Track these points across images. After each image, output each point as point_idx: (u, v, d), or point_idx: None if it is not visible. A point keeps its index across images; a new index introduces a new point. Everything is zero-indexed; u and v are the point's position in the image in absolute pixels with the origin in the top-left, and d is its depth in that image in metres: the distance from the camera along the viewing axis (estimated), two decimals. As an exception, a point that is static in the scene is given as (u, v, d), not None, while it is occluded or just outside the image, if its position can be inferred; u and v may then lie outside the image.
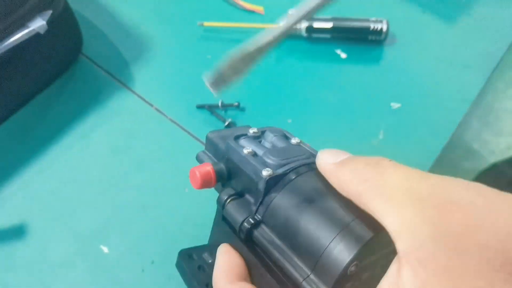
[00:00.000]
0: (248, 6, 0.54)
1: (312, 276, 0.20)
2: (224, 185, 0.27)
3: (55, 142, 0.45)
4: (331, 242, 0.20)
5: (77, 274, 0.38)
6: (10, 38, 0.41)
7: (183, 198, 0.41)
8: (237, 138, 0.27)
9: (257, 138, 0.28)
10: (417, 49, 0.51)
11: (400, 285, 0.16)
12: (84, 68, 0.50)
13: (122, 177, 0.43)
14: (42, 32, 0.42)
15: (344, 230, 0.20)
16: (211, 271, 0.24)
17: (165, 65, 0.50)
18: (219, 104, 0.46)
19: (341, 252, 0.19)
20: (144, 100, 0.48)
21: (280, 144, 0.27)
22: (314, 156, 0.25)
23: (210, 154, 0.29)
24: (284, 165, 0.24)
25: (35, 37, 0.42)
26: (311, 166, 0.24)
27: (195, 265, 0.28)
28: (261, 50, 0.22)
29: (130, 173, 0.43)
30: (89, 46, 0.51)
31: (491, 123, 0.45)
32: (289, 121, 0.46)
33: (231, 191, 0.25)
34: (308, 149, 0.26)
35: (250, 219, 0.23)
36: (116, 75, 0.50)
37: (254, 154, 0.25)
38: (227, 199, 0.25)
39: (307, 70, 0.50)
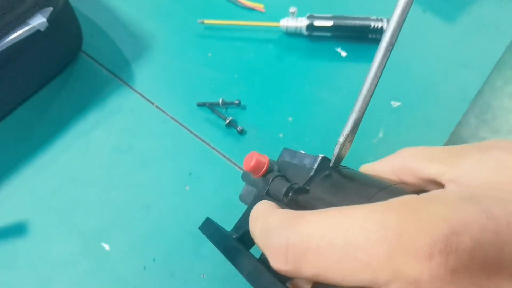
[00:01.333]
0: (248, 3, 0.54)
1: None
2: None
3: (56, 140, 0.45)
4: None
5: (79, 272, 0.38)
6: (10, 36, 0.41)
7: (185, 196, 0.42)
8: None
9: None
10: (417, 48, 0.51)
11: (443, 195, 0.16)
12: (84, 65, 0.50)
13: (124, 175, 0.43)
14: (42, 29, 0.42)
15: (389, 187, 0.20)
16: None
17: (165, 63, 0.50)
18: (220, 102, 0.46)
19: None
20: (145, 98, 0.48)
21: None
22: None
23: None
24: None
25: (35, 34, 0.42)
26: None
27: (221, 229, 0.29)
28: (356, 126, 0.25)
29: (131, 171, 0.43)
30: (89, 43, 0.51)
31: (489, 121, 0.46)
32: (290, 119, 0.46)
33: (278, 173, 0.27)
34: None
35: (296, 185, 0.24)
36: (116, 73, 0.49)
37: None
38: (275, 177, 0.26)
39: (308, 68, 0.50)
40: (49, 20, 0.42)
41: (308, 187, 0.24)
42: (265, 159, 0.27)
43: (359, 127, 0.25)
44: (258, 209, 0.23)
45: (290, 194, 0.24)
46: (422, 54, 0.51)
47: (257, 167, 0.27)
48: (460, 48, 0.51)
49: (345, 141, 0.24)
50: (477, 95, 0.47)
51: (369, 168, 0.23)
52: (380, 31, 0.49)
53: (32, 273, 0.38)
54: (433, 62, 0.50)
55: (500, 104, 0.46)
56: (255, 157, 0.27)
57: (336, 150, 0.25)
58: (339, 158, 0.25)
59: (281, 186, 0.25)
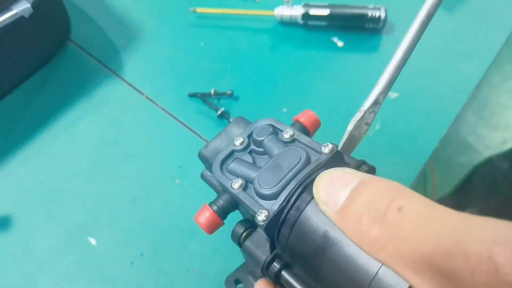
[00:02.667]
0: (242, -8, 0.52)
1: None
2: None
3: (42, 131, 0.44)
4: (374, 277, 0.17)
5: (64, 267, 0.37)
6: (-7, 22, 0.39)
7: (174, 190, 0.40)
8: (223, 162, 0.24)
9: (246, 148, 0.25)
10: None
11: None
12: (72, 54, 0.48)
13: (111, 167, 0.42)
14: (26, 15, 0.40)
15: (379, 274, 0.17)
16: None
17: (156, 52, 0.49)
18: (212, 93, 0.44)
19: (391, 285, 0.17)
20: (134, 88, 0.46)
21: (273, 148, 0.24)
22: (314, 153, 0.22)
23: (210, 174, 0.27)
24: (281, 190, 0.21)
25: (20, 21, 0.40)
26: (310, 183, 0.21)
27: None
28: (377, 103, 0.20)
29: (119, 163, 0.42)
30: (77, 31, 0.49)
31: (486, 118, 0.45)
32: (284, 110, 0.44)
33: (244, 225, 0.23)
34: (303, 143, 0.23)
35: (274, 265, 0.21)
36: (105, 62, 0.48)
37: (245, 185, 0.23)
38: (241, 234, 0.23)
39: (303, 58, 0.48)
40: (34, 6, 0.41)
41: (284, 261, 0.21)
42: (207, 212, 0.24)
43: (381, 105, 0.21)
44: None
45: (272, 278, 0.21)
46: (421, 44, 0.49)
47: (211, 226, 0.24)
48: (459, 38, 0.50)
49: (361, 118, 0.20)
50: (475, 91, 0.46)
51: (336, 224, 0.17)
52: (378, 21, 0.48)
53: (15, 269, 0.37)
54: (432, 53, 0.49)
55: (498, 100, 0.45)
56: (202, 222, 0.24)
57: (349, 128, 0.21)
58: (352, 142, 0.21)
59: (257, 259, 0.22)
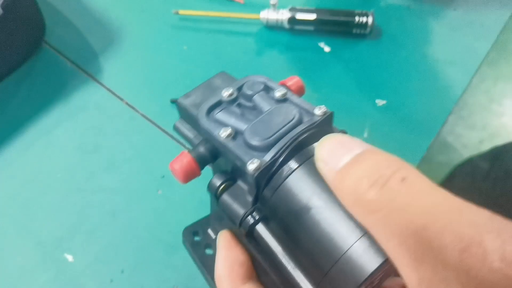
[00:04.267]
0: (227, -6, 0.50)
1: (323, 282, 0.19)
2: (212, 164, 0.24)
3: (14, 139, 0.41)
4: (344, 253, 0.17)
5: (39, 286, 0.35)
6: (-41, 23, 0.36)
7: (156, 201, 0.38)
8: (211, 110, 0.23)
9: (235, 101, 0.24)
10: (402, 44, 0.49)
11: None
12: (47, 57, 0.46)
13: (89, 178, 0.39)
14: (-4, 16, 0.38)
15: (363, 237, 0.17)
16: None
17: (136, 56, 0.47)
18: (196, 99, 0.43)
19: (359, 264, 0.17)
20: (113, 93, 0.44)
21: (264, 104, 0.23)
22: (306, 114, 0.22)
23: (187, 125, 0.26)
24: (273, 144, 0.21)
25: (-11, 22, 0.38)
26: (302, 141, 0.21)
27: (201, 246, 0.26)
28: None
29: (98, 174, 0.40)
30: (52, 33, 0.47)
31: (465, 117, 0.45)
32: (270, 118, 0.43)
33: (222, 177, 0.22)
34: (296, 103, 0.23)
35: (251, 217, 0.21)
36: (82, 66, 0.46)
37: (235, 135, 0.22)
38: (219, 186, 0.22)
39: (289, 63, 0.47)
40: (4, 6, 0.38)
41: (260, 215, 0.21)
42: (186, 158, 0.22)
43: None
44: (221, 263, 0.21)
45: (245, 231, 0.21)
46: (408, 50, 0.49)
47: (187, 174, 0.23)
48: (446, 45, 0.50)
49: None
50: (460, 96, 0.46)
51: (332, 183, 0.17)
52: (365, 26, 0.47)
53: (-16, 288, 0.34)
54: (419, 59, 0.49)
55: (476, 101, 0.46)
56: (178, 167, 0.22)
57: None
58: None
59: (234, 212, 0.21)
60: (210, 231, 0.27)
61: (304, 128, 0.21)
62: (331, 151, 0.17)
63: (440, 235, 0.14)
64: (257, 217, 0.21)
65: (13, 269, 0.35)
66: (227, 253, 0.21)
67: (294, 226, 0.19)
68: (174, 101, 0.43)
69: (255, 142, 0.21)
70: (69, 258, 0.36)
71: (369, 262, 0.17)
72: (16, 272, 0.35)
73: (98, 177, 0.40)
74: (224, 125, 0.22)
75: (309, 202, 0.19)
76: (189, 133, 0.25)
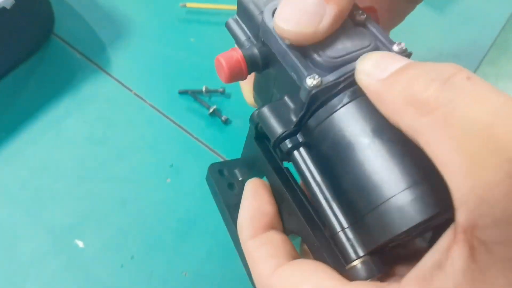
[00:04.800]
0: (233, -13, 0.51)
1: (350, 230, 0.17)
2: (259, 74, 0.22)
3: (25, 129, 0.42)
4: (386, 201, 0.16)
5: (51, 271, 0.35)
6: (-29, 13, 0.37)
7: (165, 190, 0.39)
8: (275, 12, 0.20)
9: None
10: (406, 38, 0.50)
11: (447, 269, 0.13)
12: (56, 49, 0.46)
13: (99, 167, 0.40)
14: (8, 7, 0.38)
15: (409, 189, 0.15)
16: (241, 191, 0.22)
17: (145, 48, 0.47)
18: (203, 90, 0.43)
19: (398, 217, 0.15)
20: (122, 84, 0.45)
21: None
22: (382, 46, 0.20)
23: (242, 24, 0.23)
24: (338, 67, 0.18)
25: (1, 13, 0.38)
26: None
27: (225, 183, 0.24)
28: None
29: (107, 163, 0.40)
30: (61, 25, 0.47)
31: None
32: (277, 109, 0.44)
33: (270, 107, 0.20)
34: (375, 32, 0.20)
35: (291, 140, 0.19)
36: (91, 57, 0.46)
37: (296, 46, 0.19)
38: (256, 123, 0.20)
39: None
40: (15, -3, 0.39)
41: (303, 140, 0.19)
42: (236, 54, 0.20)
43: None
44: (245, 211, 0.20)
45: (280, 154, 0.19)
46: (412, 44, 0.49)
47: (233, 71, 0.20)
48: (449, 38, 0.50)
49: None
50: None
51: (377, 94, 0.15)
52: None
53: (-3, 273, 0.35)
54: (423, 53, 0.49)
55: None
56: (225, 61, 0.20)
57: None
58: None
59: (272, 128, 0.19)
60: (237, 171, 0.25)
61: None
62: (376, 63, 0.15)
63: (509, 134, 0.12)
64: (300, 140, 0.19)
65: (27, 255, 0.36)
66: (252, 202, 0.20)
67: (337, 161, 0.18)
68: (182, 92, 0.44)
69: (320, 58, 0.18)
70: (80, 244, 0.37)
71: (415, 214, 0.15)
72: (29, 258, 0.36)
73: (108, 166, 0.40)
74: None
75: (358, 140, 0.17)
76: (242, 34, 0.23)
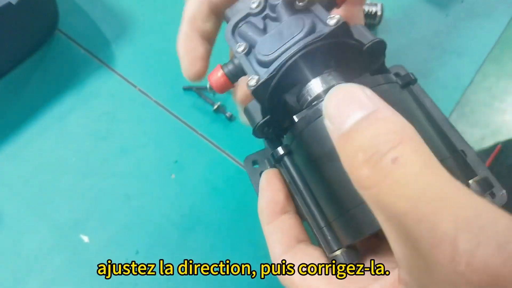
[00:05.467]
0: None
1: (330, 227, 0.20)
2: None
3: (29, 124, 0.42)
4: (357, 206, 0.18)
5: (56, 265, 0.35)
6: (-24, 8, 0.37)
7: (169, 186, 0.39)
8: (237, 25, 0.24)
9: (261, 12, 0.23)
10: (410, 35, 0.50)
11: None
12: (61, 44, 0.46)
13: (103, 163, 0.40)
14: (14, 2, 0.38)
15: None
16: None
17: (148, 44, 0.47)
18: (208, 87, 0.43)
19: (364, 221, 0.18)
20: (126, 80, 0.45)
21: (283, 14, 0.22)
22: (319, 24, 0.21)
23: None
24: (275, 60, 0.20)
25: (6, 8, 0.38)
26: (309, 55, 0.20)
27: (258, 173, 0.28)
28: None
29: (111, 159, 0.40)
30: (66, 21, 0.47)
31: (467, 114, 0.45)
32: (281, 106, 0.44)
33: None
34: (314, 14, 0.21)
35: (281, 150, 0.22)
36: (95, 53, 0.46)
37: (249, 50, 0.22)
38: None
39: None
40: (20, -7, 0.39)
41: (289, 148, 0.22)
42: (219, 73, 0.24)
43: None
44: (261, 201, 0.24)
45: (274, 161, 0.23)
46: (416, 41, 0.50)
47: (220, 87, 0.24)
48: (453, 36, 0.50)
49: None
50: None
51: (338, 145, 0.17)
52: (374, 16, 0.48)
53: (4, 268, 0.35)
54: (427, 50, 0.49)
55: (479, 98, 0.46)
56: (213, 80, 0.24)
57: None
58: None
59: (252, 121, 0.23)
60: (266, 161, 0.29)
61: (310, 41, 0.20)
62: (337, 108, 0.16)
63: (417, 225, 0.14)
64: (284, 151, 0.22)
65: (32, 249, 0.36)
66: (265, 192, 0.24)
67: (315, 166, 0.20)
68: (186, 89, 0.44)
69: (261, 57, 0.21)
70: (85, 239, 0.37)
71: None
72: (34, 252, 0.36)
73: (112, 162, 0.40)
74: (243, 39, 0.23)
75: (331, 149, 0.18)
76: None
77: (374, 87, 0.19)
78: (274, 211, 0.23)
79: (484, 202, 0.14)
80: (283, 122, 0.24)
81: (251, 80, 0.21)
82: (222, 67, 0.24)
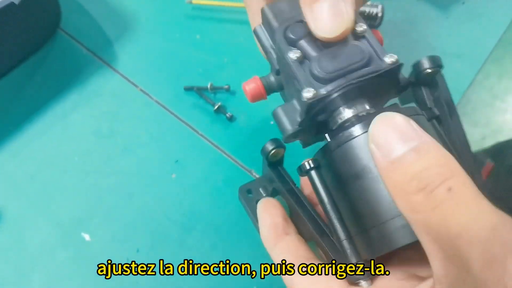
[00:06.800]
0: (239, -16, 0.51)
1: (351, 240, 0.21)
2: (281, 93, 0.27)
3: (32, 123, 0.42)
4: (389, 220, 0.19)
5: (58, 263, 0.36)
6: (-20, 8, 0.37)
7: (170, 185, 0.40)
8: (287, 30, 0.23)
9: None
10: (410, 38, 0.50)
11: None
12: (63, 44, 0.47)
13: (105, 162, 0.41)
14: (16, 2, 0.38)
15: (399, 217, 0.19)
16: None
17: (151, 44, 0.47)
18: (208, 87, 0.44)
19: (396, 234, 0.19)
20: (128, 80, 0.45)
21: None
22: (376, 58, 0.22)
23: (266, 33, 0.26)
24: (333, 79, 0.21)
25: (9, 8, 0.38)
26: (362, 86, 0.21)
27: (253, 201, 0.30)
28: None
29: (113, 157, 0.41)
30: (68, 20, 0.48)
31: (468, 113, 0.46)
32: (281, 106, 0.44)
33: (274, 143, 0.25)
34: (371, 43, 0.22)
35: (311, 162, 0.22)
36: (97, 53, 0.46)
37: (302, 60, 0.22)
38: (271, 150, 0.25)
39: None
40: (23, -8, 0.39)
41: (318, 162, 0.22)
42: (256, 82, 0.25)
43: None
44: (262, 226, 0.26)
45: (300, 172, 0.23)
46: (415, 44, 0.50)
47: (254, 96, 0.25)
48: (454, 38, 0.50)
49: None
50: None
51: (383, 171, 0.18)
52: (374, 18, 0.48)
53: (6, 266, 0.36)
54: (427, 52, 0.49)
55: (480, 97, 0.47)
56: (248, 88, 0.25)
57: None
58: None
59: (283, 127, 0.23)
60: (261, 190, 0.31)
61: (366, 73, 0.21)
62: (385, 136, 0.18)
63: (469, 247, 0.15)
64: (314, 164, 0.22)
65: (34, 247, 0.37)
66: (264, 220, 0.26)
67: (346, 184, 0.21)
68: (187, 89, 0.44)
69: (317, 72, 0.22)
70: (87, 237, 0.37)
71: (409, 233, 0.19)
72: (37, 249, 0.36)
73: (114, 161, 0.41)
74: (297, 47, 0.23)
75: (364, 168, 0.20)
76: (267, 41, 0.26)
77: (412, 115, 0.20)
78: (277, 234, 0.25)
79: None
80: (308, 133, 0.25)
81: (308, 92, 0.21)
82: (260, 79, 0.25)
